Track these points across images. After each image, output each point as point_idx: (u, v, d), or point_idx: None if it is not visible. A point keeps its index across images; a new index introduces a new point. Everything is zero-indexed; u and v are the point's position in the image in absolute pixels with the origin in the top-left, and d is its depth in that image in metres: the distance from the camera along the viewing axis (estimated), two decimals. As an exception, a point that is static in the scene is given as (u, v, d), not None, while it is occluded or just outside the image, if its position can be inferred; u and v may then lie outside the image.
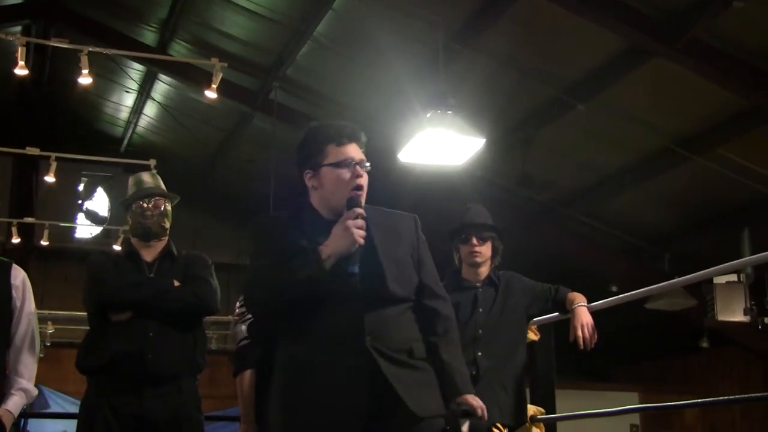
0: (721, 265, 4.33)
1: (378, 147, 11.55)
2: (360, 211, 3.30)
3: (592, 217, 12.28)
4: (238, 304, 4.82)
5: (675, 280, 4.98)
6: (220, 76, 8.72)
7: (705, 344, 13.43)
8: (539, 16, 9.20)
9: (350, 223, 3.27)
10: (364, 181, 3.40)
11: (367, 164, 3.44)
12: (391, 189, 12.35)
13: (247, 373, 4.63)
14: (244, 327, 4.69)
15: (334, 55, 11.05)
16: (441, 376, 3.36)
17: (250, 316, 4.74)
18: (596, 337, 4.54)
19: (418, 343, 3.34)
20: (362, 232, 3.26)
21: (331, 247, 3.25)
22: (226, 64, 8.79)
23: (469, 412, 3.35)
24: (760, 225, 10.97)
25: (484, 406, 3.36)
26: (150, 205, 4.67)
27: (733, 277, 11.33)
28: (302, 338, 3.29)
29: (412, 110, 9.06)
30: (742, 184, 10.31)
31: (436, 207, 9.84)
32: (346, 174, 3.38)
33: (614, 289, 11.89)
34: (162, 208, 4.69)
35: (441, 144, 8.71)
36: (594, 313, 4.68)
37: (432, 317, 3.44)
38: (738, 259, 4.46)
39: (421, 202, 12.15)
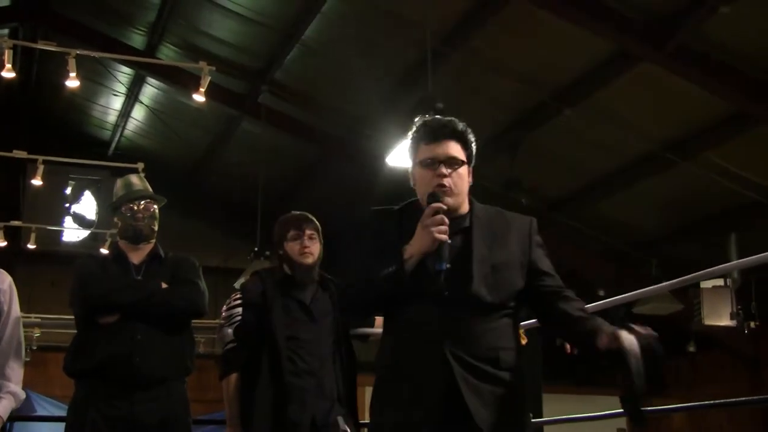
0: (708, 270, 4.33)
1: (366, 151, 11.59)
2: (438, 205, 3.21)
3: (580, 221, 12.31)
4: (225, 307, 4.82)
5: (662, 285, 4.99)
6: (209, 79, 8.70)
7: (692, 348, 13.46)
8: (528, 21, 9.22)
9: (428, 220, 3.19)
10: (450, 180, 3.29)
11: (461, 161, 3.32)
12: (379, 193, 12.40)
13: (233, 377, 4.62)
14: (230, 330, 4.68)
15: (323, 59, 11.03)
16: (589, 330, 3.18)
17: (237, 318, 4.73)
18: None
19: (507, 352, 3.22)
20: (443, 228, 3.17)
21: (414, 246, 3.20)
22: (214, 68, 8.76)
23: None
24: (747, 230, 11.00)
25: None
26: (140, 208, 4.67)
27: (720, 282, 11.36)
28: (391, 331, 3.31)
29: (400, 114, 9.06)
30: (729, 189, 10.34)
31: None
32: (428, 174, 3.31)
33: (601, 293, 11.91)
34: (151, 210, 4.70)
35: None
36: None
37: (565, 318, 3.29)
38: (725, 263, 4.46)
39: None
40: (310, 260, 4.75)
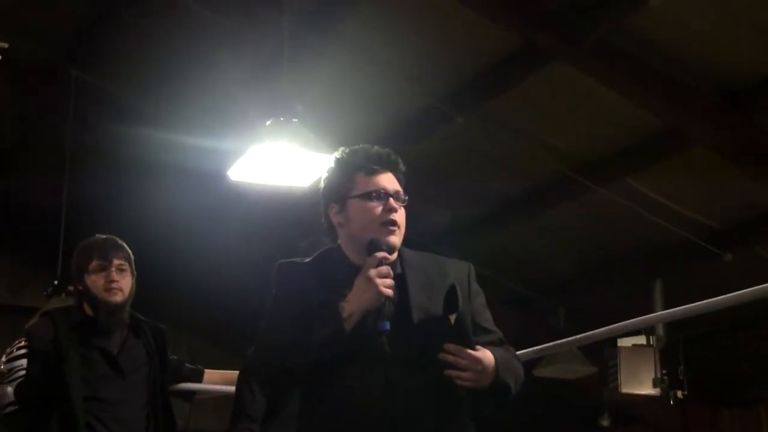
0: (626, 322, 4.37)
1: (200, 164, 11.46)
2: (382, 254, 3.39)
3: (470, 258, 12.34)
4: (3, 358, 4.70)
5: (569, 339, 5.03)
6: (-1, 59, 8.52)
7: (605, 423, 13.63)
8: (411, 2, 9.26)
9: (373, 272, 3.34)
10: (399, 217, 3.52)
11: (405, 197, 3.58)
12: (217, 215, 12.27)
13: (12, 450, 4.50)
14: (10, 389, 4.58)
15: (139, 50, 10.86)
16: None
17: (20, 373, 4.60)
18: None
19: (452, 426, 3.45)
20: (389, 282, 3.35)
21: (353, 303, 3.33)
22: (6, 45, 8.58)
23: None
24: (676, 275, 11.21)
25: None
26: None
27: (642, 340, 11.55)
28: (319, 401, 3.41)
29: (246, 118, 8.98)
30: (654, 224, 10.52)
31: (276, 237, 9.76)
32: (376, 208, 3.50)
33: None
34: None
35: (282, 160, 8.64)
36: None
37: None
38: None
39: (257, 231, 12.11)
40: (118, 298, 4.68)
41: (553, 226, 11.46)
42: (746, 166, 9.45)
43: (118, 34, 10.83)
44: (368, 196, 3.52)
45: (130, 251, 4.77)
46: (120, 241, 4.78)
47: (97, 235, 4.85)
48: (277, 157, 8.62)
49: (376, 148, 3.68)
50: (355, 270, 3.43)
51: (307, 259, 3.61)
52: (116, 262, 4.67)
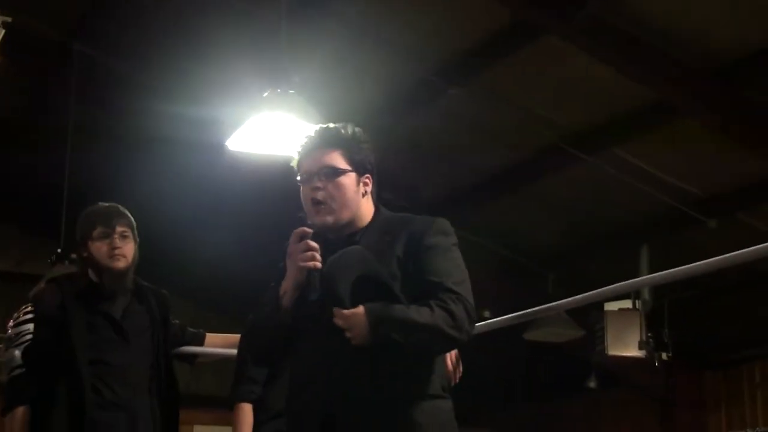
0: (613, 286, 4.39)
1: (199, 134, 11.45)
2: (301, 230, 3.50)
3: (462, 226, 12.33)
4: (11, 323, 4.71)
5: (557, 303, 5.05)
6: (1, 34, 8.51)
7: (593, 384, 13.67)
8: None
9: (292, 247, 3.48)
10: (324, 194, 3.59)
11: (340, 171, 3.63)
12: (217, 185, 12.27)
13: (20, 411, 4.52)
14: (17, 352, 4.59)
15: (139, 25, 10.83)
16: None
17: (27, 338, 4.61)
18: (461, 370, 4.53)
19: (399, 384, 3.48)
20: (309, 254, 3.44)
21: (285, 280, 3.49)
22: (10, 19, 8.56)
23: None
24: (661, 241, 11.24)
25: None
26: None
27: (628, 304, 11.57)
28: (289, 373, 3.64)
29: (244, 89, 8.96)
30: (641, 192, 10.54)
31: (272, 206, 9.75)
32: (304, 190, 3.68)
33: (486, 314, 12.00)
34: None
35: (279, 130, 8.64)
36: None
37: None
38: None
39: (255, 201, 12.12)
40: (121, 264, 4.69)
41: (543, 195, 11.48)
42: (733, 137, 9.46)
43: (118, 8, 10.80)
44: (300, 180, 3.69)
45: (132, 218, 4.76)
46: (122, 209, 4.77)
47: (99, 203, 4.85)
48: (273, 126, 8.62)
49: (314, 127, 3.79)
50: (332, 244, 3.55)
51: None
52: (119, 228, 4.67)
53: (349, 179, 3.61)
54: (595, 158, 10.40)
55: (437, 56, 10.10)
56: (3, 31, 8.51)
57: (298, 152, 3.72)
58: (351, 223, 3.61)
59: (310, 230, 3.49)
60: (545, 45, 9.29)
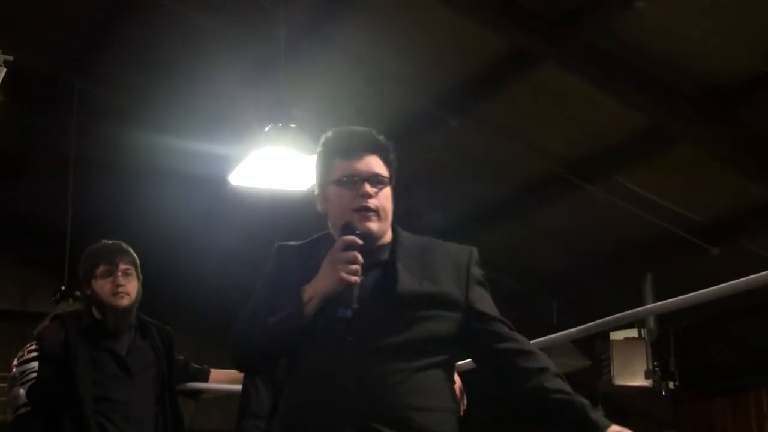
0: (617, 315, 4.38)
1: (203, 169, 11.46)
2: (352, 239, 3.23)
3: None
4: (15, 361, 4.69)
5: (562, 333, 5.03)
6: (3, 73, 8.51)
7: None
8: (403, 10, 9.25)
9: (337, 256, 3.22)
10: (376, 202, 3.35)
11: (386, 179, 3.41)
12: (220, 219, 12.28)
13: (26, 450, 4.50)
14: (22, 391, 4.57)
15: (140, 60, 10.86)
16: (559, 411, 3.48)
17: (32, 376, 4.60)
18: (465, 403, 4.52)
19: (420, 414, 3.24)
20: (353, 268, 3.20)
21: (317, 286, 3.21)
22: (11, 58, 8.57)
23: None
24: (665, 269, 11.21)
25: None
26: None
27: (633, 333, 11.54)
28: (290, 385, 3.32)
29: (246, 123, 8.98)
30: (644, 220, 10.53)
31: (276, 239, 9.74)
32: (348, 194, 3.35)
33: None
34: None
35: (281, 164, 8.66)
36: (463, 373, 4.66)
37: (532, 388, 3.63)
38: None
39: (257, 235, 12.10)
40: (125, 302, 4.67)
41: (545, 223, 11.47)
42: (734, 163, 9.46)
43: (119, 45, 10.84)
44: (341, 181, 3.37)
45: (135, 256, 4.75)
46: (126, 246, 4.76)
47: (103, 241, 4.84)
48: (276, 161, 8.64)
49: (355, 129, 3.54)
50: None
51: (305, 242, 3.51)
52: (122, 266, 4.66)
53: (389, 191, 3.43)
54: (597, 186, 10.39)
55: (437, 87, 10.12)
56: (5, 70, 8.53)
57: (327, 153, 3.47)
58: (383, 236, 3.40)
59: (360, 241, 3.24)
60: (544, 74, 9.31)
